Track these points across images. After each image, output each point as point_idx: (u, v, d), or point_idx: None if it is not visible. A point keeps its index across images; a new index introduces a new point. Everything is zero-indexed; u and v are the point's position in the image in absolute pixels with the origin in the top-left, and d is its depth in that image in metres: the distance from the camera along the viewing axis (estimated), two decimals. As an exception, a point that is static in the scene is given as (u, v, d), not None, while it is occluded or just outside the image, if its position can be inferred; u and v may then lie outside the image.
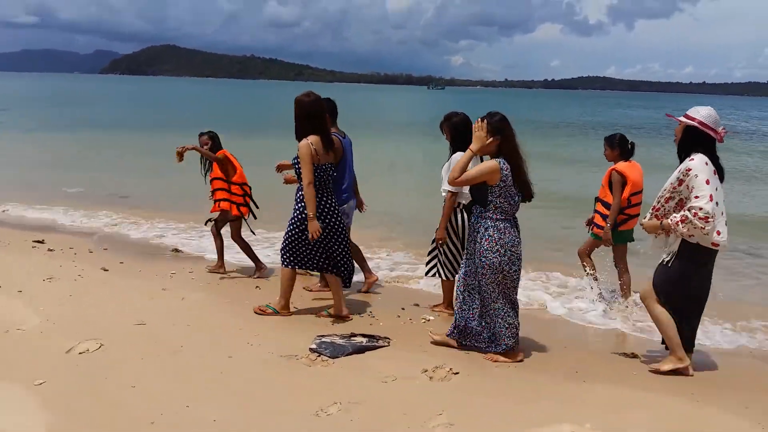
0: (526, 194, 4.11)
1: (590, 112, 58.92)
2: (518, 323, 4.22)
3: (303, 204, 4.64)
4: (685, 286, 3.99)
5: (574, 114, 54.07)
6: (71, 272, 5.87)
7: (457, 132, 4.87)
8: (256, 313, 4.94)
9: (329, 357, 4.15)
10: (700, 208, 3.73)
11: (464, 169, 4.01)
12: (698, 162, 3.83)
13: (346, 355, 4.20)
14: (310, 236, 4.59)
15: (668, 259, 4.00)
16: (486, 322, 4.23)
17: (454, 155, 4.85)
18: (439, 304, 5.30)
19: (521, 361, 4.23)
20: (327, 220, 4.72)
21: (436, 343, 4.43)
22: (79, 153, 17.03)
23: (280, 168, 5.53)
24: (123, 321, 4.61)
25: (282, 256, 4.88)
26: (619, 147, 5.44)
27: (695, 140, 3.91)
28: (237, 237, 6.14)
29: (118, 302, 5.07)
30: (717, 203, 3.82)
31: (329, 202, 4.75)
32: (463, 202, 4.81)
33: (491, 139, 3.99)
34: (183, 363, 3.94)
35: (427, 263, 5.19)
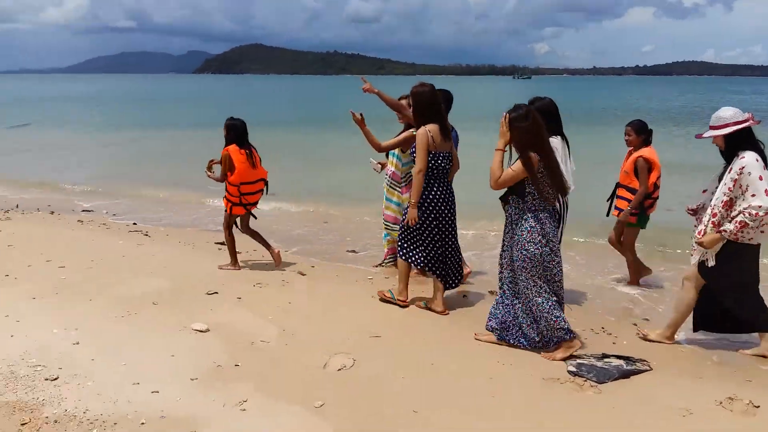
0: (560, 185, 4.06)
1: (702, 98, 55.19)
2: (564, 317, 4.10)
3: (425, 193, 4.73)
4: (737, 275, 4.09)
5: (696, 99, 50.73)
6: (276, 278, 5.84)
7: (544, 117, 4.76)
8: (379, 296, 5.16)
9: (596, 382, 3.80)
10: (759, 206, 3.78)
11: (501, 168, 4.01)
12: (749, 159, 3.88)
13: (613, 380, 3.85)
14: (407, 220, 4.76)
15: (708, 258, 4.11)
16: (531, 319, 4.15)
17: None
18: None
19: (581, 347, 4.18)
20: (439, 209, 4.77)
21: (481, 340, 4.38)
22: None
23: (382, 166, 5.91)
24: (357, 332, 4.47)
25: (399, 249, 4.98)
26: (645, 133, 5.53)
27: (739, 140, 3.98)
28: (246, 228, 6.19)
29: (338, 311, 4.95)
30: None
31: (441, 190, 4.77)
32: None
33: (508, 136, 3.98)
34: (444, 384, 3.72)
35: None
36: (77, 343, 4.10)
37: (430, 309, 4.97)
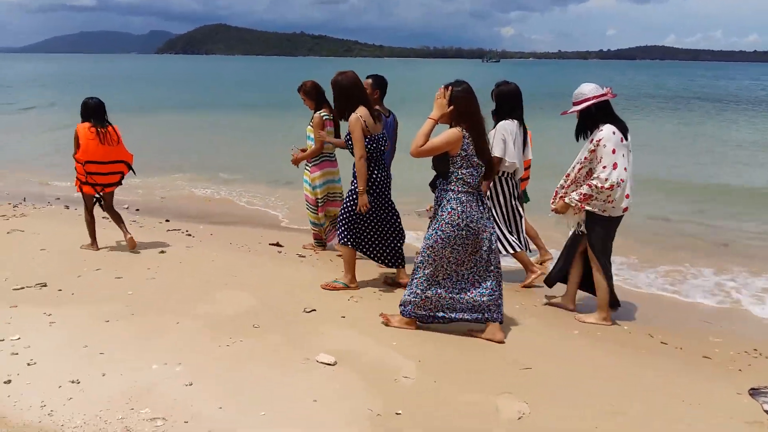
0: (489, 167, 4.05)
1: (687, 84, 55.73)
2: (434, 299, 4.10)
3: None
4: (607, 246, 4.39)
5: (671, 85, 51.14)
6: (366, 289, 5.14)
7: (506, 100, 5.10)
8: (324, 289, 4.99)
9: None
10: (606, 179, 4.04)
11: (427, 137, 3.91)
12: (606, 132, 4.10)
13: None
14: (357, 208, 4.70)
15: (580, 229, 4.41)
16: (456, 290, 4.13)
17: (499, 124, 5.06)
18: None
19: (413, 329, 4.20)
20: (380, 192, 4.77)
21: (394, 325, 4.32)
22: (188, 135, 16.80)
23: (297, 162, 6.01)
24: (500, 360, 3.84)
25: (338, 234, 4.91)
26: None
27: (597, 112, 4.20)
28: (108, 209, 6.08)
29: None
30: (625, 168, 4.11)
31: (381, 175, 4.77)
32: (506, 170, 5.06)
33: (451, 108, 3.91)
34: None
35: None
36: (190, 384, 3.36)
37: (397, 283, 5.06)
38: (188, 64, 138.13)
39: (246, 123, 20.47)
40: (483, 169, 4.00)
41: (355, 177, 4.74)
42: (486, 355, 3.93)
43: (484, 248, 4.03)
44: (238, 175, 11.20)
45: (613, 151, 4.07)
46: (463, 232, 3.95)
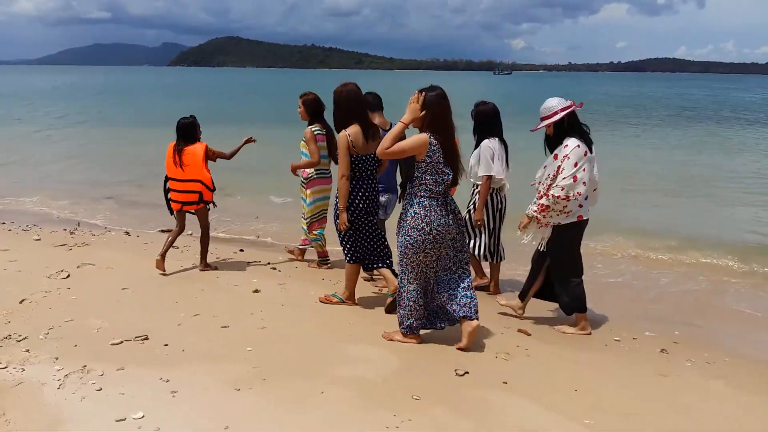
0: (455, 174, 4.03)
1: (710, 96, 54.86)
2: (425, 307, 4.19)
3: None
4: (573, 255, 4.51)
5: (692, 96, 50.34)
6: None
7: (486, 120, 5.24)
8: (321, 301, 5.04)
9: None
10: (562, 188, 4.15)
11: (395, 140, 3.88)
12: (572, 145, 4.20)
13: None
14: (338, 227, 4.71)
15: (544, 244, 4.53)
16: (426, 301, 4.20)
17: (482, 143, 5.18)
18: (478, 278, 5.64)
19: (417, 343, 4.20)
20: (364, 213, 4.73)
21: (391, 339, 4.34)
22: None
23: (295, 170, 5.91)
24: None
25: (345, 254, 4.87)
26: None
27: (568, 126, 4.30)
28: (202, 228, 6.03)
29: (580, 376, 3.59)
30: (585, 182, 4.22)
31: (367, 193, 4.71)
32: (494, 185, 5.23)
33: (423, 113, 3.88)
34: None
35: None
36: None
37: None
38: (203, 76, 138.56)
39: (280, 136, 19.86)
40: (449, 176, 3.98)
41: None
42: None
43: (451, 250, 4.09)
44: (288, 198, 10.38)
45: (575, 165, 4.16)
46: (430, 236, 3.94)
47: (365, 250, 4.87)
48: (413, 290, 4.10)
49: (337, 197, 4.71)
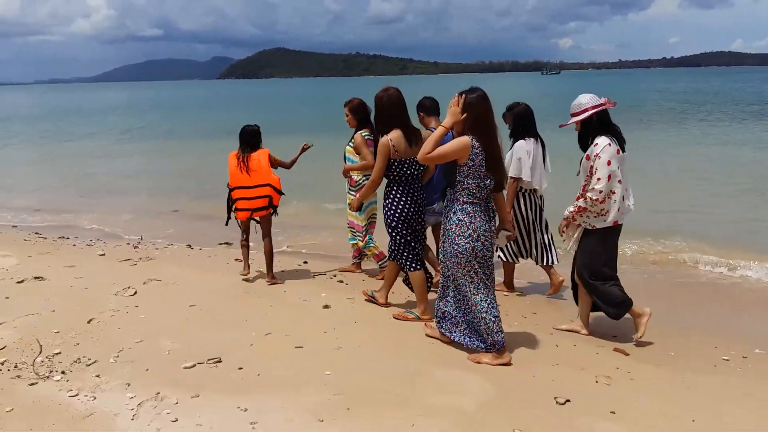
0: (498, 180, 3.88)
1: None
2: (499, 322, 3.92)
3: (389, 201, 4.64)
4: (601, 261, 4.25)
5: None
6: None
7: (520, 121, 5.20)
8: (396, 318, 4.80)
9: None
10: (600, 191, 3.98)
11: (436, 144, 3.81)
12: (602, 143, 4.02)
13: None
14: (350, 204, 4.94)
15: (571, 245, 4.36)
16: (466, 315, 4.02)
17: (516, 145, 5.15)
18: (500, 284, 5.51)
19: (509, 364, 3.90)
20: (415, 215, 4.65)
21: (429, 335, 4.34)
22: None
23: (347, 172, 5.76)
24: None
25: (404, 264, 4.73)
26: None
27: (597, 123, 4.11)
28: (265, 237, 5.91)
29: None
30: (619, 181, 4.06)
31: (415, 196, 4.64)
32: (525, 187, 5.21)
33: (464, 115, 3.77)
34: None
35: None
36: None
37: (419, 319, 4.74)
38: (252, 88, 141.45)
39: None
40: (491, 180, 3.84)
41: (384, 198, 4.70)
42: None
43: (492, 260, 3.97)
44: (341, 204, 10.12)
45: (608, 163, 4.00)
46: (479, 243, 3.82)
47: (417, 251, 4.78)
48: (482, 300, 3.90)
49: (387, 202, 4.67)
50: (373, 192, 4.81)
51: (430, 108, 5.38)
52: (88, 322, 4.65)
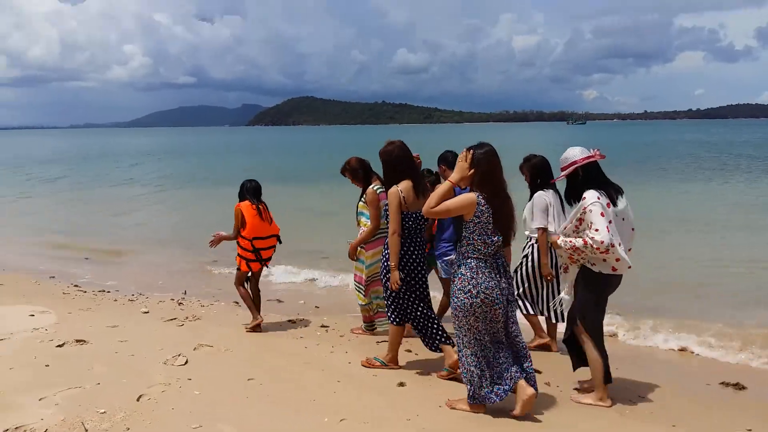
0: (506, 237, 3.85)
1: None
2: (488, 375, 3.85)
3: (386, 252, 4.61)
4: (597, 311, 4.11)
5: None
6: None
7: (537, 173, 5.13)
8: (363, 366, 4.83)
9: None
10: (601, 242, 3.81)
11: (441, 199, 3.79)
12: (590, 197, 3.92)
13: None
14: (390, 287, 4.53)
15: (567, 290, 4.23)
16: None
17: (536, 195, 5.07)
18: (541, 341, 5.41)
19: (480, 413, 3.85)
20: (414, 270, 4.57)
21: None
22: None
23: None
24: None
25: (389, 315, 4.71)
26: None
27: (584, 178, 4.04)
28: (254, 285, 6.14)
29: None
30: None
31: (417, 252, 4.58)
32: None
33: (471, 171, 3.75)
34: None
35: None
36: None
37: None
38: (280, 135, 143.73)
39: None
40: (499, 238, 3.79)
41: (384, 248, 4.67)
42: None
43: (501, 317, 3.85)
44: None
45: (602, 214, 3.87)
46: (477, 300, 3.75)
47: (414, 311, 4.64)
48: (470, 355, 3.88)
49: (386, 257, 4.62)
50: (399, 245, 4.50)
51: (452, 162, 5.16)
52: (137, 400, 4.11)
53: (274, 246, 6.07)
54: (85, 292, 7.77)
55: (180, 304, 7.16)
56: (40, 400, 4.05)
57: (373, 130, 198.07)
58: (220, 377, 4.59)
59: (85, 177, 29.03)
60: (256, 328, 5.90)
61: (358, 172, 5.54)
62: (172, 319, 6.33)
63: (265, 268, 6.12)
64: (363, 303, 5.71)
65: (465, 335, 3.88)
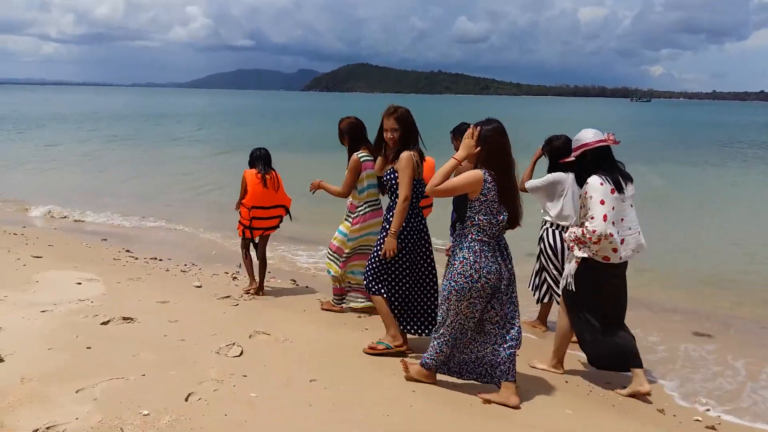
0: (512, 216, 3.65)
1: None
2: (450, 356, 3.85)
3: (388, 215, 4.43)
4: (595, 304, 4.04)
5: None
6: None
7: (558, 156, 4.79)
8: (367, 353, 4.39)
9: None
10: (594, 231, 3.77)
11: (446, 177, 3.60)
12: (593, 183, 3.85)
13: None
14: (382, 252, 4.31)
15: (569, 281, 4.06)
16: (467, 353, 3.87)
17: (554, 173, 4.91)
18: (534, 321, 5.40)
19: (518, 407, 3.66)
20: (414, 242, 4.37)
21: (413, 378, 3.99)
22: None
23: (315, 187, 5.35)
24: None
25: (367, 284, 4.44)
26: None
27: (592, 161, 3.94)
28: (261, 254, 6.02)
29: None
30: (614, 222, 3.82)
31: (417, 221, 4.39)
32: (559, 222, 4.93)
33: (478, 148, 3.57)
34: None
35: (536, 287, 5.23)
36: None
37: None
38: (335, 101, 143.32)
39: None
40: (505, 217, 3.61)
41: (388, 220, 4.39)
42: None
43: (499, 303, 3.70)
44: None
45: (602, 202, 3.77)
46: (478, 284, 3.59)
47: (397, 283, 4.42)
48: (443, 335, 3.80)
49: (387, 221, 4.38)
50: (406, 211, 4.30)
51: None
52: (186, 400, 3.55)
53: (280, 217, 5.94)
54: (137, 258, 7.36)
55: (234, 278, 6.65)
56: (77, 392, 3.54)
57: (428, 100, 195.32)
58: (278, 376, 3.99)
59: (157, 137, 29.28)
60: (250, 292, 5.92)
61: (343, 135, 5.21)
62: (226, 297, 5.81)
63: (269, 235, 6.07)
64: (336, 274, 5.33)
65: (448, 317, 3.75)
